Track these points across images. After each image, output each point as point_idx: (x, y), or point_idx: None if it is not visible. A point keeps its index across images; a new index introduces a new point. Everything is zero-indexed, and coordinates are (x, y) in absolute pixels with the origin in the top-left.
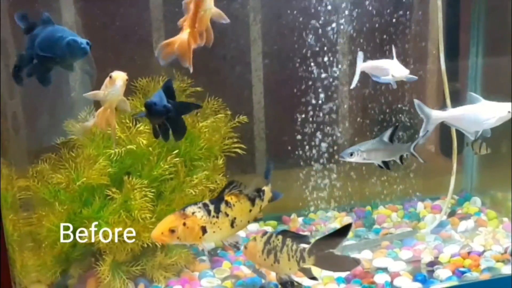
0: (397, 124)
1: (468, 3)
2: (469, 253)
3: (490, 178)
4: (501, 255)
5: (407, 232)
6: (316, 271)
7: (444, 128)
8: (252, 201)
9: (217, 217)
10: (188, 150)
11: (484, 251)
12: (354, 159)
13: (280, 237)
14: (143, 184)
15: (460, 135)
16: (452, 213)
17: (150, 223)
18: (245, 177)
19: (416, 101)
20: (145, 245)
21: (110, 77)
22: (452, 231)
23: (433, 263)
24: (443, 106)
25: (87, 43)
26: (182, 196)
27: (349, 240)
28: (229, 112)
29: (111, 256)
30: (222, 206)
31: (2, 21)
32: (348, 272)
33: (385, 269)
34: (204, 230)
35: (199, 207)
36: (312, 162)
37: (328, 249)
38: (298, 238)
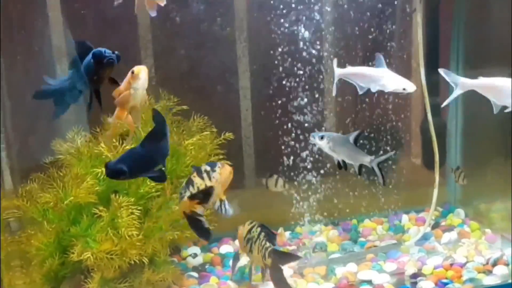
0: (363, 130)
1: (449, 17)
2: (451, 264)
3: (473, 190)
4: (483, 266)
5: (391, 245)
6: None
7: (426, 142)
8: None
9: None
10: (174, 168)
11: (466, 262)
12: (322, 143)
13: (258, 229)
14: (130, 202)
15: (442, 148)
16: (436, 225)
17: (137, 240)
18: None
19: (441, 70)
20: (133, 262)
21: (132, 72)
22: (436, 243)
23: (416, 275)
24: (424, 120)
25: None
26: (169, 213)
27: (335, 254)
28: (214, 130)
29: (99, 273)
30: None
31: None
32: (332, 285)
33: (369, 282)
34: None
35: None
36: (299, 177)
37: (279, 261)
38: (270, 236)
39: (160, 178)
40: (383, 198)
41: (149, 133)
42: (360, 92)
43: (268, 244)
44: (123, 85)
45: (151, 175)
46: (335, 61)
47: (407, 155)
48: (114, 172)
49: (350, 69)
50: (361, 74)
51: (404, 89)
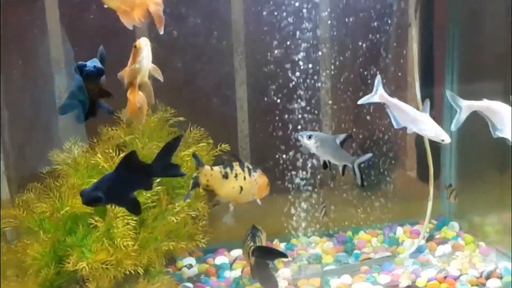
0: (351, 133)
1: (443, 31)
2: (445, 277)
3: (467, 203)
4: (476, 279)
5: (386, 257)
6: None
7: (421, 155)
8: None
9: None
10: (170, 179)
11: (460, 275)
12: (310, 143)
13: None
14: (125, 213)
15: (437, 161)
16: (430, 238)
17: (132, 250)
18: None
19: (448, 93)
20: (128, 272)
21: (135, 46)
22: (430, 256)
23: (410, 287)
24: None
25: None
26: (165, 224)
27: (330, 265)
28: (211, 141)
29: (94, 283)
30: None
31: None
32: None
33: None
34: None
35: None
36: (296, 189)
37: (264, 258)
38: (254, 235)
39: (134, 209)
40: (378, 211)
41: (122, 159)
42: (396, 127)
43: (251, 243)
44: (129, 63)
45: (125, 206)
46: (378, 79)
47: (402, 168)
48: (90, 199)
49: (395, 100)
50: (404, 111)
51: (442, 140)
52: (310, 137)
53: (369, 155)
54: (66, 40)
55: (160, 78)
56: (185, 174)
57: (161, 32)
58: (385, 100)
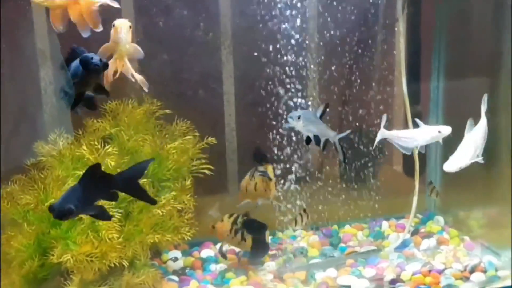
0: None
1: (430, 27)
2: (430, 271)
3: (453, 197)
4: (461, 272)
5: (371, 251)
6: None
7: None
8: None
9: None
10: (156, 171)
11: (444, 268)
12: (298, 124)
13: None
14: (110, 205)
15: (422, 156)
16: (415, 232)
17: (117, 243)
18: (214, 197)
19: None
20: (113, 265)
21: (113, 25)
22: (415, 250)
23: (395, 281)
24: (404, 128)
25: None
26: (150, 217)
27: (316, 259)
28: (197, 134)
29: (79, 275)
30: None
31: None
32: None
33: (348, 287)
34: None
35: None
36: (282, 182)
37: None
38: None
39: (103, 216)
40: (364, 205)
41: (86, 170)
42: (409, 153)
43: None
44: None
45: (94, 215)
46: (383, 120)
47: (388, 162)
48: (62, 212)
49: (394, 133)
50: (405, 138)
51: (439, 131)
52: (299, 117)
53: (348, 131)
54: (52, 31)
55: (141, 55)
56: (154, 202)
57: (86, 35)
58: (387, 135)
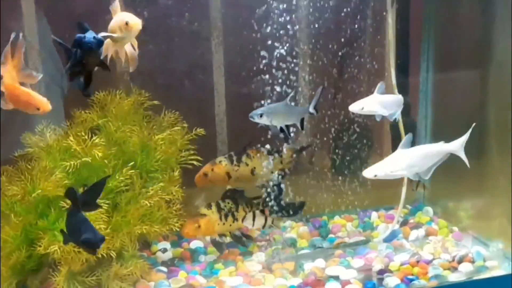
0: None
1: (419, 18)
2: (418, 261)
3: (442, 188)
4: (449, 263)
5: (360, 241)
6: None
7: (396, 141)
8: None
9: (238, 165)
10: (144, 162)
11: (433, 259)
12: (263, 120)
13: (229, 201)
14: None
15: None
16: (404, 223)
17: (104, 234)
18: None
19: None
20: (100, 256)
21: (127, 23)
22: (404, 240)
23: (383, 271)
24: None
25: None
26: (138, 208)
27: (304, 249)
28: (185, 125)
29: (66, 266)
30: (244, 157)
31: None
32: (300, 281)
33: (336, 277)
34: (228, 175)
35: (225, 157)
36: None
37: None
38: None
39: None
40: (353, 196)
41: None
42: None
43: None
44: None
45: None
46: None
47: (377, 153)
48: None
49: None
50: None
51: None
52: (261, 115)
53: (319, 89)
54: (42, 17)
55: (134, 66)
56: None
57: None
58: None
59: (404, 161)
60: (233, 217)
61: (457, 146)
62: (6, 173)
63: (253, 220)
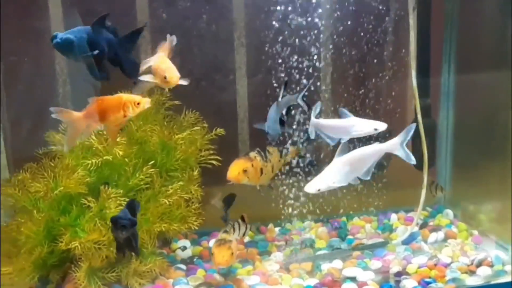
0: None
1: (441, 19)
2: (436, 264)
3: (463, 191)
4: (467, 266)
5: (378, 243)
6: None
7: (416, 142)
8: (281, 153)
9: (266, 161)
10: (164, 161)
11: (451, 262)
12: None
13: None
14: (118, 194)
15: (432, 149)
16: (424, 225)
17: None
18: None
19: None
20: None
21: (165, 78)
22: (422, 243)
23: (400, 274)
24: (414, 121)
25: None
26: (157, 206)
27: (322, 250)
28: (205, 125)
29: (87, 262)
30: (267, 154)
31: None
32: (317, 281)
33: (353, 279)
34: (261, 171)
35: (256, 154)
36: (292, 174)
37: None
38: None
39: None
40: (373, 198)
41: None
42: (332, 143)
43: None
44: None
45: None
46: (315, 109)
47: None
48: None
49: (322, 121)
50: (331, 127)
51: (375, 129)
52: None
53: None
54: (74, 13)
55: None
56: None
57: None
58: (316, 124)
59: (343, 169)
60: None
61: (394, 145)
62: (30, 170)
63: (239, 229)
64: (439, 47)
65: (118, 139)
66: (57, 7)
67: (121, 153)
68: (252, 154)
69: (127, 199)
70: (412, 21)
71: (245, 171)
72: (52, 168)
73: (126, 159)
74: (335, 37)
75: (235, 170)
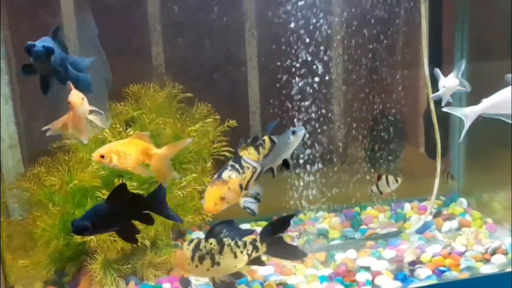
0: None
1: (453, 9)
2: (450, 252)
3: (476, 179)
4: (481, 255)
5: (392, 232)
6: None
7: (429, 131)
8: (258, 150)
9: (244, 172)
10: (177, 154)
11: (465, 251)
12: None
13: (213, 240)
14: (133, 186)
15: (445, 138)
16: (437, 214)
17: (138, 223)
18: None
19: (446, 108)
20: (135, 245)
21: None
22: (436, 231)
23: (414, 263)
24: (426, 110)
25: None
26: (171, 198)
27: (336, 240)
28: (218, 117)
29: (102, 255)
30: (243, 162)
31: None
32: (331, 271)
33: (367, 268)
34: (241, 187)
35: (230, 170)
36: (305, 165)
37: (277, 234)
38: (239, 233)
39: (127, 237)
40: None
41: (112, 191)
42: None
43: (246, 238)
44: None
45: (118, 234)
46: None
47: (411, 144)
48: (78, 228)
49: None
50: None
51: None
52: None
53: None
54: (89, 16)
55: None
56: (180, 220)
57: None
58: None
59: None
60: (213, 261)
61: None
62: (45, 164)
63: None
64: (451, 35)
65: (131, 132)
66: (69, 2)
67: None
68: (226, 175)
69: (141, 192)
70: (424, 10)
71: (223, 198)
72: (66, 162)
73: None
74: (346, 27)
75: (211, 201)
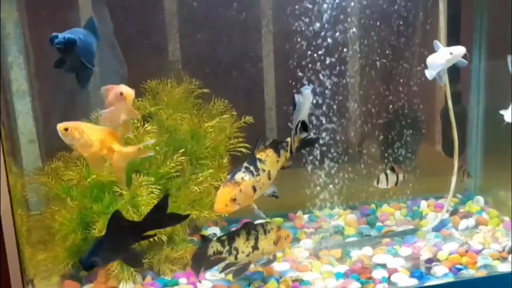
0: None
1: (471, 5)
2: (467, 251)
3: (493, 177)
4: (499, 253)
5: (408, 230)
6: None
7: (446, 128)
8: (278, 152)
9: (258, 174)
10: (194, 149)
11: (482, 249)
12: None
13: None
14: (150, 182)
15: (462, 136)
16: (454, 212)
17: None
18: None
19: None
20: (152, 240)
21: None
22: (453, 229)
23: (431, 260)
24: (444, 107)
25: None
26: (188, 193)
27: (352, 237)
28: (234, 113)
29: None
30: (259, 164)
31: None
32: (347, 268)
33: (383, 265)
34: (254, 189)
35: (244, 172)
36: (320, 162)
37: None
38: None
39: (132, 262)
40: (403, 184)
41: (109, 222)
42: None
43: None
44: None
45: (124, 260)
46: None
47: (430, 142)
48: (87, 266)
49: None
50: None
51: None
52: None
53: None
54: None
55: None
56: (185, 218)
57: None
58: None
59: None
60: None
61: None
62: (63, 159)
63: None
64: (470, 32)
65: (148, 127)
66: None
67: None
68: (239, 176)
69: (158, 187)
70: (443, 6)
71: (233, 199)
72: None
73: (157, 147)
74: (363, 21)
75: (222, 202)
